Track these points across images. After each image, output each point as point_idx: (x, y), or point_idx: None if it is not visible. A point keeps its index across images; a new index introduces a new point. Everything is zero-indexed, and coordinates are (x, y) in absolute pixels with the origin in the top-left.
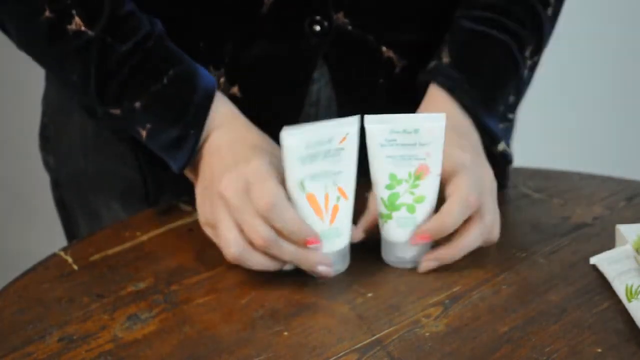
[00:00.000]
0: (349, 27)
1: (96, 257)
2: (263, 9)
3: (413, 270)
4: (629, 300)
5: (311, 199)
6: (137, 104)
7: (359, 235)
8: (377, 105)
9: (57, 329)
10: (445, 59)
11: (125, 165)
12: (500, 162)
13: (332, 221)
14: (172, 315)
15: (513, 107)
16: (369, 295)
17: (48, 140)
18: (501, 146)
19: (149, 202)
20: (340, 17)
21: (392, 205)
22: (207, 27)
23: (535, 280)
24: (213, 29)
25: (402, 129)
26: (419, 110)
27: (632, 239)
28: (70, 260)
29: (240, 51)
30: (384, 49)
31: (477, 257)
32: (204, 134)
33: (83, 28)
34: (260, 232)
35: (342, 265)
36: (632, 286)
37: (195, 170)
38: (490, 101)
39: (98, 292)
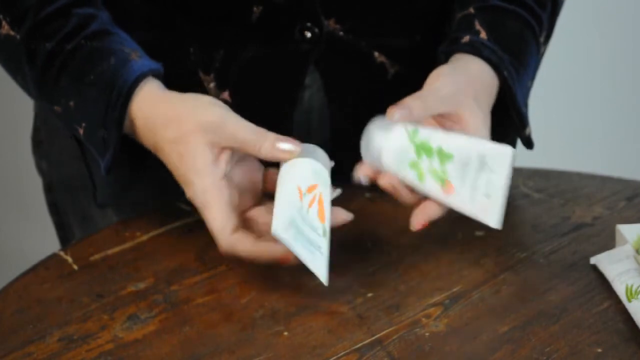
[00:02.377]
0: (340, 33)
1: (96, 257)
2: (253, 16)
3: (413, 270)
4: (629, 300)
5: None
6: (71, 103)
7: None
8: (370, 112)
9: (57, 329)
10: (483, 34)
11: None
12: (524, 145)
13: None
14: (172, 315)
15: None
16: (369, 295)
17: (40, 144)
18: (528, 130)
19: (97, 202)
20: (331, 24)
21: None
22: (197, 34)
23: (535, 280)
24: (203, 36)
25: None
26: (455, 74)
27: (632, 239)
28: (70, 260)
29: (231, 57)
30: (376, 54)
31: (477, 257)
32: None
33: (11, 32)
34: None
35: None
36: (632, 286)
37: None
38: (526, 85)
39: (98, 292)
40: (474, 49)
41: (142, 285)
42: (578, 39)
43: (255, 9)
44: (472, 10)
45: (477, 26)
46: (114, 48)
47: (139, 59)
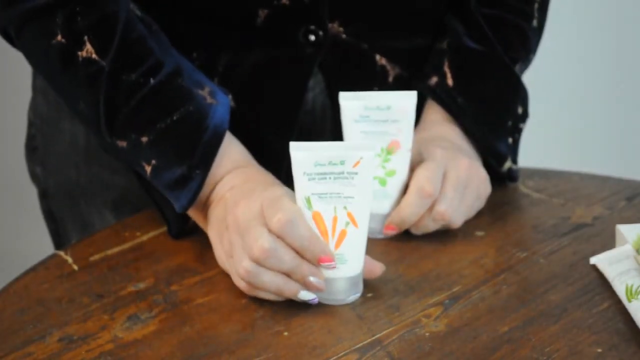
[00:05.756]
0: (343, 36)
1: (96, 257)
2: (258, 19)
3: (413, 270)
4: (629, 300)
5: (317, 217)
6: (144, 139)
7: (377, 270)
8: None
9: (57, 329)
10: (449, 81)
11: (117, 174)
12: (506, 179)
13: (337, 246)
14: (172, 315)
15: (523, 117)
16: (369, 295)
17: (36, 150)
18: (507, 165)
19: (171, 235)
20: (335, 27)
21: None
22: (201, 38)
23: (535, 280)
24: (207, 40)
25: (376, 106)
26: (421, 129)
27: (632, 239)
28: (70, 260)
29: (235, 61)
30: (377, 56)
31: (477, 257)
32: (212, 178)
33: (94, 56)
34: (262, 241)
35: (344, 295)
36: (632, 286)
37: (205, 215)
38: (496, 124)
39: (98, 292)
40: (436, 96)
41: (142, 285)
42: (578, 39)
43: (260, 12)
44: (445, 46)
45: (446, 68)
46: (194, 91)
47: (217, 104)
